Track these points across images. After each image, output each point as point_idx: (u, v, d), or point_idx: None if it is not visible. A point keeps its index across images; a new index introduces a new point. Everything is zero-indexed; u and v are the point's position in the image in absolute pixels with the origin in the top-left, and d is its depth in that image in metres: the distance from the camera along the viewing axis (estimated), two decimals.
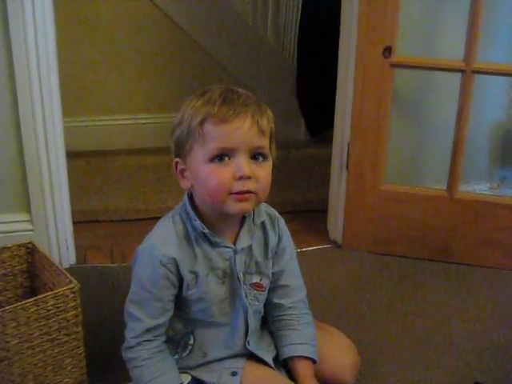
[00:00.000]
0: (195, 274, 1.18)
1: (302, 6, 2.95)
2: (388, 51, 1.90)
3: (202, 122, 1.10)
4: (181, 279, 1.18)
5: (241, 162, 1.10)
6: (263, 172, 1.13)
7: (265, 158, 1.14)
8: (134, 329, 1.19)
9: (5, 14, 1.71)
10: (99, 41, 2.83)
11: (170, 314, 1.21)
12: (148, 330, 1.19)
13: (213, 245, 1.19)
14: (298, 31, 3.02)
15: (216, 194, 1.11)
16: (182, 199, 1.23)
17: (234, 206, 1.12)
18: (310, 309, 1.34)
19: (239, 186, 1.10)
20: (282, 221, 1.31)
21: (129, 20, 2.88)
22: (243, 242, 1.22)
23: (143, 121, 3.02)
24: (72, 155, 2.15)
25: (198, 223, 1.17)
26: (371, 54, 1.92)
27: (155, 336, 1.20)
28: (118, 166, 2.72)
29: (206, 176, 1.11)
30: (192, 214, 1.18)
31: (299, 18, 2.99)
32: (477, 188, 2.27)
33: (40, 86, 1.78)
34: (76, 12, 2.40)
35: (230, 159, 1.10)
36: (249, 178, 1.10)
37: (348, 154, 2.05)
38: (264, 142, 1.13)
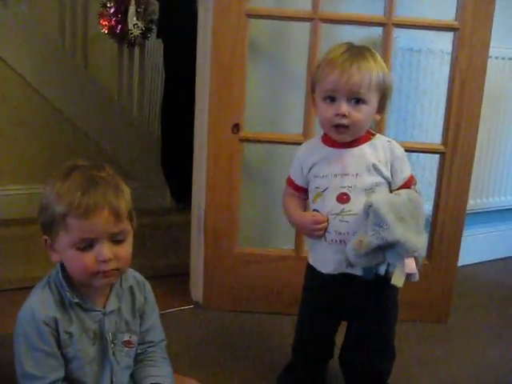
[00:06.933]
0: (70, 334, 1.30)
1: (164, 82, 3.15)
2: (236, 128, 2.12)
3: (64, 216, 1.23)
4: (58, 338, 1.29)
5: (101, 248, 1.24)
6: (123, 252, 1.28)
7: (124, 238, 1.28)
8: None
9: None
10: None
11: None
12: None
13: (84, 309, 1.32)
14: (161, 105, 3.21)
15: (82, 276, 1.28)
16: (51, 269, 1.36)
17: (101, 281, 1.28)
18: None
19: (103, 267, 1.25)
20: (147, 284, 1.47)
21: None
22: (112, 304, 1.37)
23: (12, 192, 3.06)
24: None
25: (68, 294, 1.30)
26: (222, 130, 2.11)
27: None
28: None
29: (72, 261, 1.27)
30: (64, 284, 1.31)
31: (162, 94, 3.18)
32: None
33: None
34: None
35: (92, 246, 1.24)
36: (110, 259, 1.25)
37: (204, 221, 2.22)
38: (122, 226, 1.27)
